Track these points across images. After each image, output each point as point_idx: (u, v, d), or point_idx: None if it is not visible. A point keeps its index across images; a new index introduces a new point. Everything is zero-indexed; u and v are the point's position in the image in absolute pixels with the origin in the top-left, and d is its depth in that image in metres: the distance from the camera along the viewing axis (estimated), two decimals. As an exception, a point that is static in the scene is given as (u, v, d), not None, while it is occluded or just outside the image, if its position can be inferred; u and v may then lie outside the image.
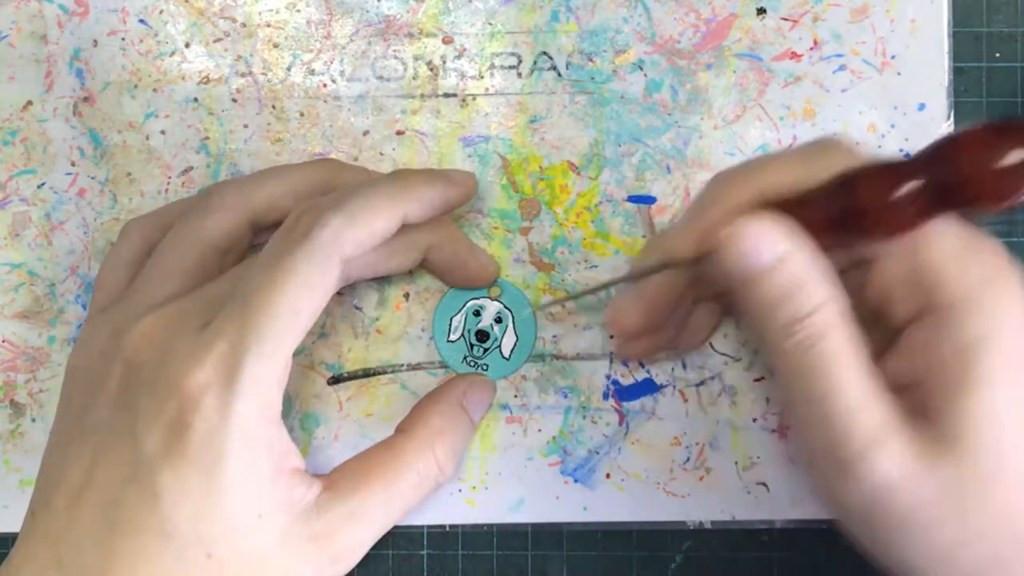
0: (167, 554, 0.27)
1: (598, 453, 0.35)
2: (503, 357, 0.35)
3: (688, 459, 0.35)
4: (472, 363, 0.35)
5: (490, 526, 0.35)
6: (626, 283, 0.32)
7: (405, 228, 0.31)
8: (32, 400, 0.35)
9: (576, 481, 0.35)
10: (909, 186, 0.26)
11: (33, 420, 0.35)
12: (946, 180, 0.26)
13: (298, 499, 0.29)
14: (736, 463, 0.35)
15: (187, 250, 0.31)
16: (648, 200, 0.35)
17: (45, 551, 0.28)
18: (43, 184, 0.35)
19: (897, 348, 0.28)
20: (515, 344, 0.35)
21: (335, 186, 0.33)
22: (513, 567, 0.35)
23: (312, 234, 0.28)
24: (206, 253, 0.31)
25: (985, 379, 0.26)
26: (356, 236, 0.29)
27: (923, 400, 0.27)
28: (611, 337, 0.35)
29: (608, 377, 0.35)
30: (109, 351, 0.29)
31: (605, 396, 0.35)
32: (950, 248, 0.27)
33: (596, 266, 0.35)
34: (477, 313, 0.35)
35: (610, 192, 0.35)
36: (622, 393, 0.35)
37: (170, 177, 0.35)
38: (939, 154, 0.26)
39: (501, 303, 0.35)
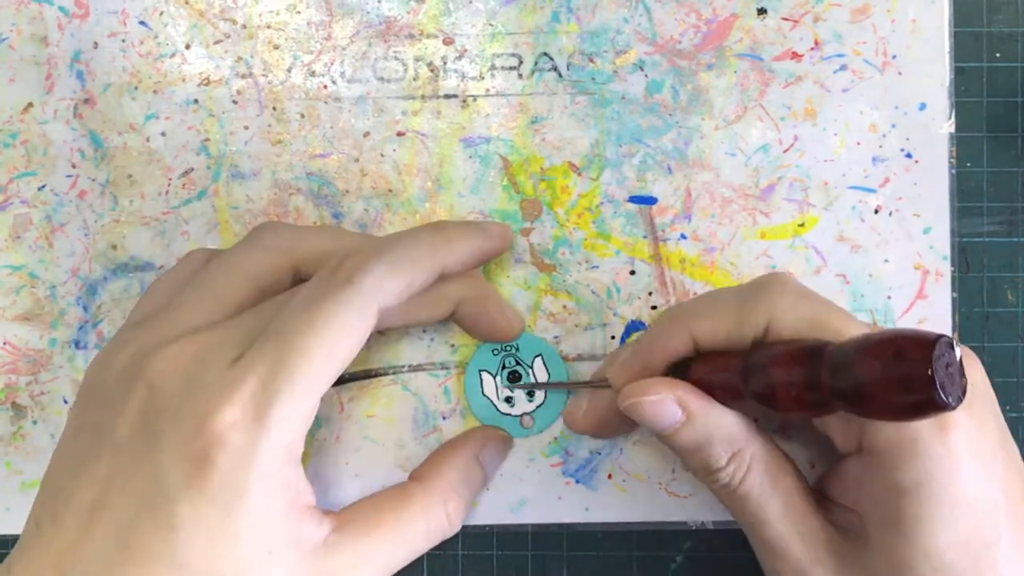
0: None
1: (600, 454, 0.35)
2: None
3: (689, 459, 0.35)
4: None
5: (491, 526, 0.35)
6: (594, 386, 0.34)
7: (440, 280, 0.31)
8: (33, 402, 0.35)
9: (578, 482, 0.35)
10: (800, 382, 0.26)
11: (35, 423, 0.35)
12: (841, 386, 0.25)
13: (308, 536, 0.29)
14: (737, 463, 0.35)
15: (228, 279, 0.31)
16: (649, 200, 0.35)
17: (49, 566, 0.27)
18: (44, 186, 0.35)
19: (837, 474, 0.30)
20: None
21: None
22: (513, 567, 0.35)
23: (355, 280, 0.28)
24: (245, 286, 0.31)
25: (916, 521, 0.26)
26: (396, 287, 0.29)
27: (861, 525, 0.28)
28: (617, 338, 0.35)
29: (609, 378, 0.35)
30: (132, 371, 0.29)
31: (606, 397, 0.35)
32: None
33: (597, 267, 0.35)
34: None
35: (611, 193, 0.35)
36: (623, 394, 0.35)
37: (170, 179, 0.35)
38: (841, 361, 0.25)
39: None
